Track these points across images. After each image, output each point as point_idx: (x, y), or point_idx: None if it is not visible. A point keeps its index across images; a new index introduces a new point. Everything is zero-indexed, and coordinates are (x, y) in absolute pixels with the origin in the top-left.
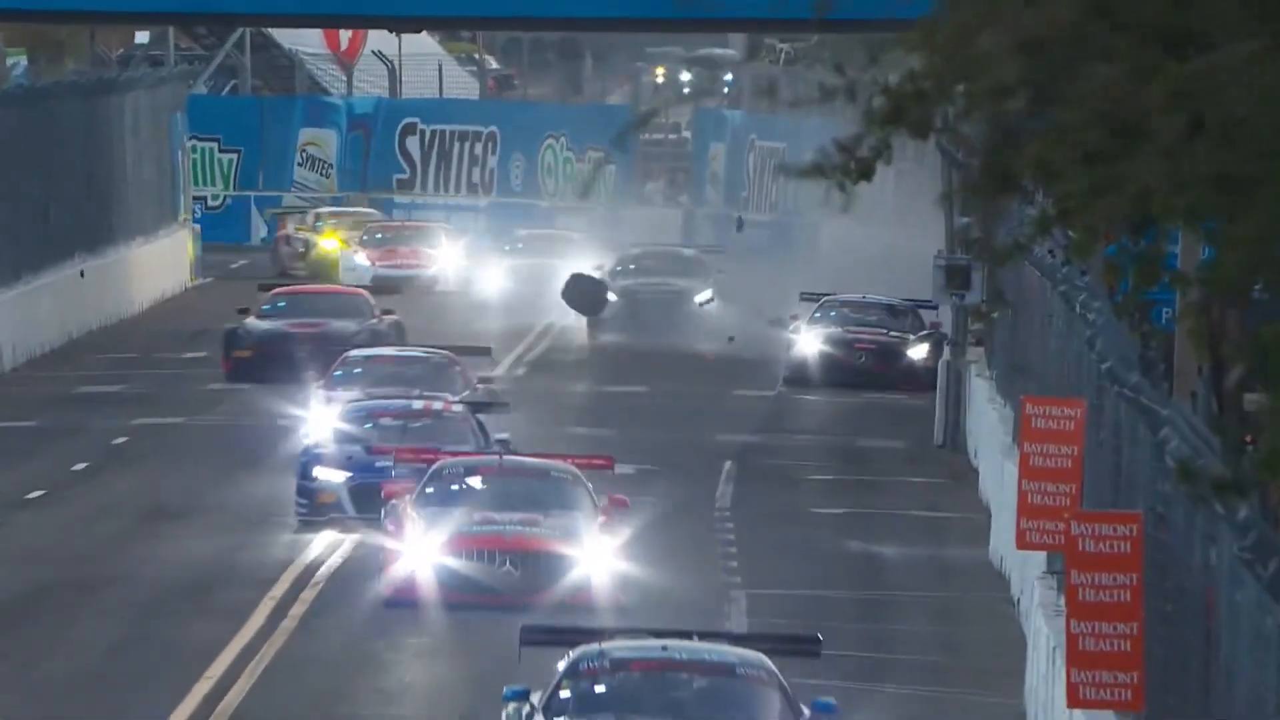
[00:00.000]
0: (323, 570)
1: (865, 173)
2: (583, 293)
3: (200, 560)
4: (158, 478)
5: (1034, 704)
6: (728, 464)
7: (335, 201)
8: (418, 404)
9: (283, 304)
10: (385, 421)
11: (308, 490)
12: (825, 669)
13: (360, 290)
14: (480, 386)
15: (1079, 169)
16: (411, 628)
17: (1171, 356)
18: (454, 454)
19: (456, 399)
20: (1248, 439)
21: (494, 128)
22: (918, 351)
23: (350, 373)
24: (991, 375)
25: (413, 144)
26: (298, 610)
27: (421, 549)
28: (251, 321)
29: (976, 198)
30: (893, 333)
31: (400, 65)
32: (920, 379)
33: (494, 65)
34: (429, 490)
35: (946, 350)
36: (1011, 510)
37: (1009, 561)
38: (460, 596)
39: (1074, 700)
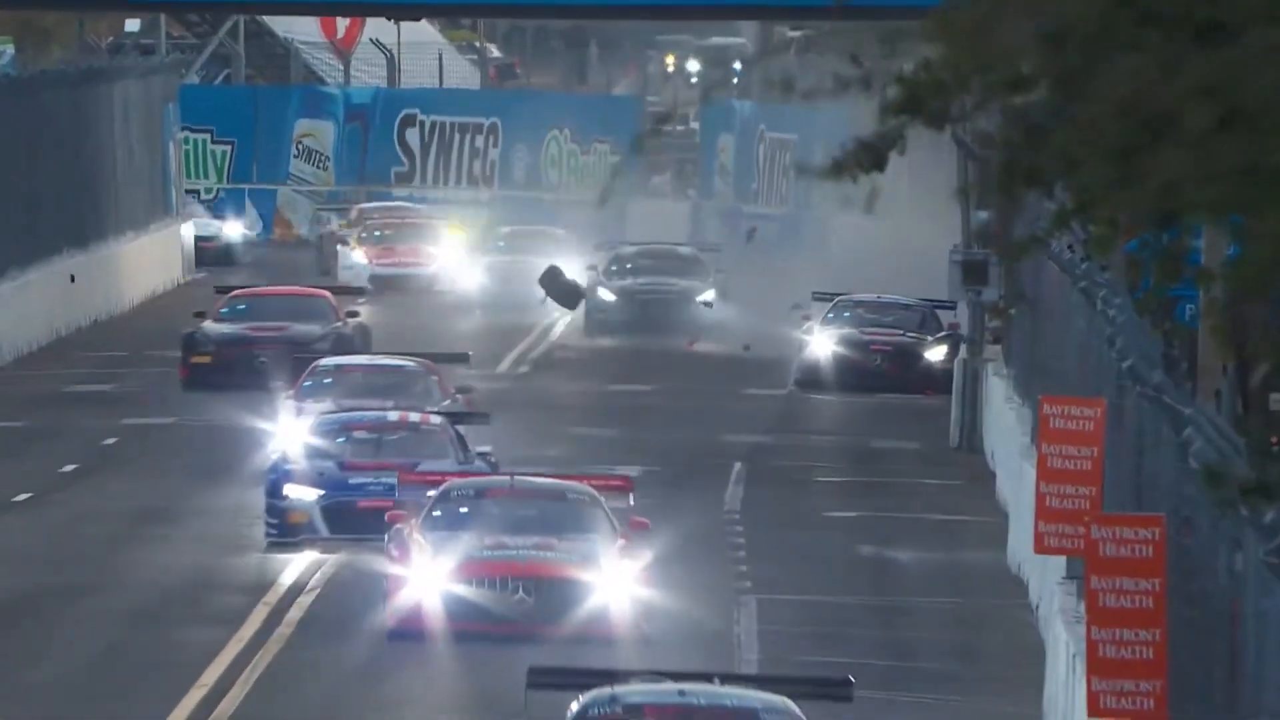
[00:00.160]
0: (317, 576)
1: (877, 163)
2: (560, 284)
3: (191, 565)
4: (148, 480)
5: (1053, 713)
6: (737, 465)
7: (333, 196)
8: (393, 416)
9: (242, 307)
10: (359, 435)
11: (278, 509)
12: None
13: (323, 292)
14: (459, 397)
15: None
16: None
17: (1195, 355)
18: (463, 475)
19: (435, 410)
20: (1274, 440)
21: (496, 119)
22: (935, 353)
23: (320, 383)
24: (1009, 374)
25: (412, 136)
26: (294, 615)
27: (429, 575)
28: (209, 325)
29: (994, 191)
30: (909, 334)
31: (399, 54)
32: (938, 382)
33: (496, 54)
34: (436, 513)
35: (963, 349)
36: (1029, 513)
37: (1027, 566)
38: (470, 626)
39: (1095, 709)
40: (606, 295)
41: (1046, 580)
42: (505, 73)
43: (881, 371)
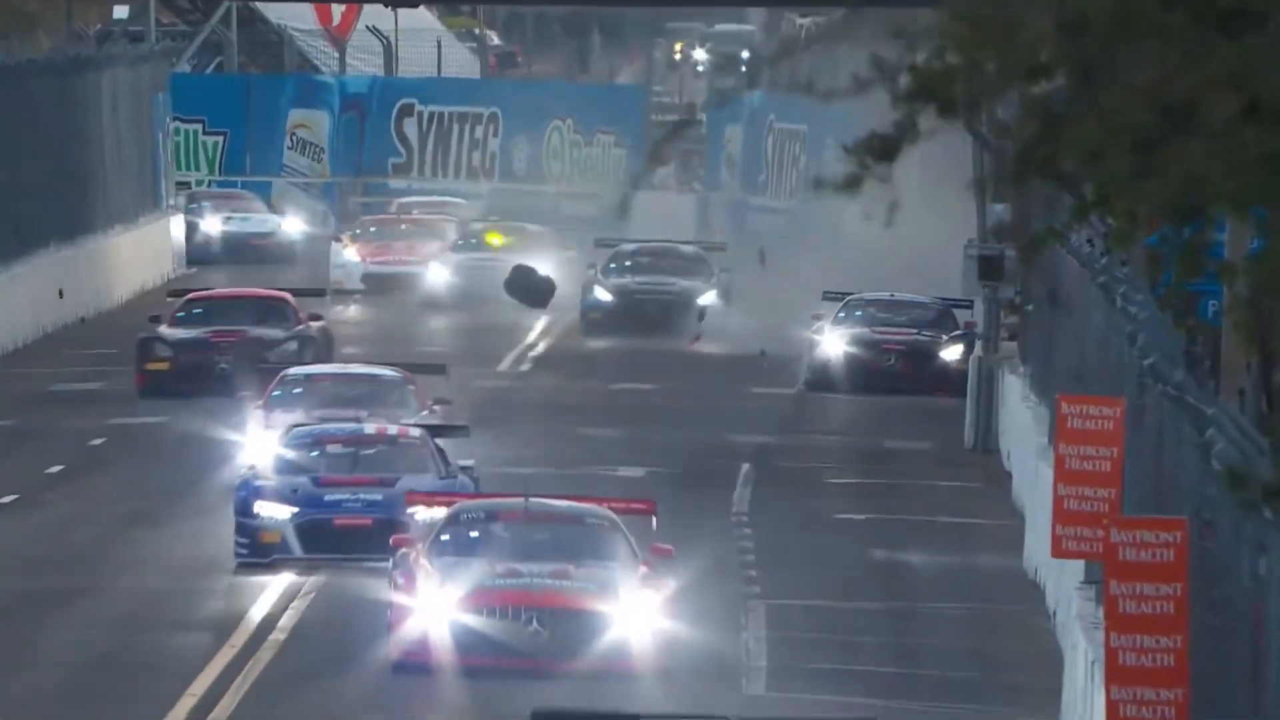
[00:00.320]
0: (312, 580)
1: (889, 153)
2: (527, 283)
3: (178, 571)
4: (137, 481)
5: None
6: (745, 466)
7: (327, 188)
8: (370, 428)
9: (199, 310)
10: (334, 449)
11: (248, 528)
12: (850, 685)
13: (283, 294)
14: (437, 408)
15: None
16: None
17: (1218, 352)
18: (472, 496)
19: (413, 423)
20: None
21: (496, 109)
22: (950, 353)
23: (290, 393)
24: (1026, 372)
25: (409, 126)
26: (286, 622)
27: (436, 605)
28: (166, 330)
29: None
30: (923, 333)
31: (396, 42)
32: (953, 382)
33: (496, 41)
34: (444, 538)
35: (978, 346)
36: (1047, 516)
37: (1044, 571)
38: (480, 660)
39: (1114, 719)
40: (603, 294)
41: (1064, 585)
42: (505, 61)
43: (894, 372)
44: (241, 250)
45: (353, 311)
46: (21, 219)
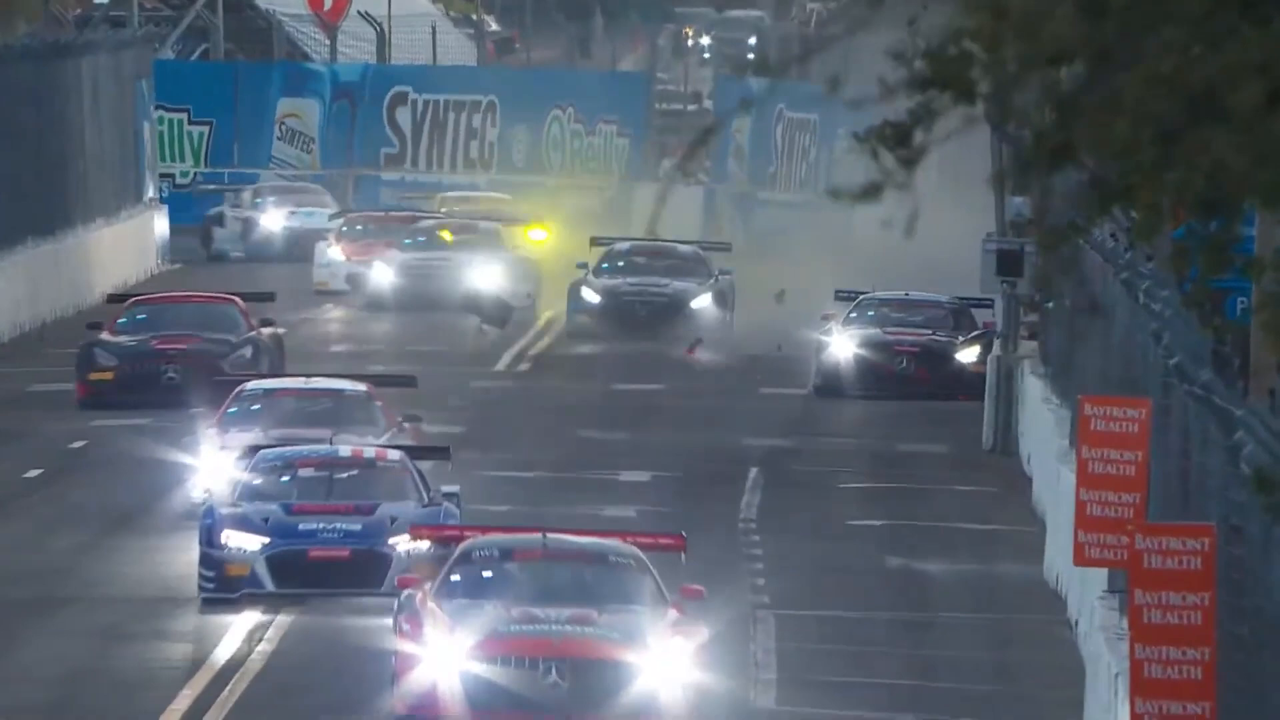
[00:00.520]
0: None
1: (904, 141)
2: (485, 303)
3: (164, 578)
4: (118, 486)
5: None
6: (754, 470)
7: (317, 180)
8: (345, 450)
9: (142, 316)
10: (306, 473)
11: (214, 560)
12: (863, 699)
13: (232, 298)
14: (406, 425)
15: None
16: None
17: (1246, 351)
18: (484, 530)
19: (392, 443)
20: None
21: (493, 97)
22: (967, 354)
23: (247, 410)
24: (1046, 372)
25: (403, 115)
26: (274, 634)
27: (446, 653)
28: (108, 338)
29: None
30: (939, 334)
31: (389, 28)
32: (969, 386)
33: (493, 27)
34: (454, 578)
35: (996, 345)
36: (1068, 522)
37: (1066, 579)
38: (494, 714)
39: None
40: (590, 296)
41: (1086, 594)
42: (504, 47)
43: (907, 375)
44: (305, 246)
45: (340, 312)
46: None
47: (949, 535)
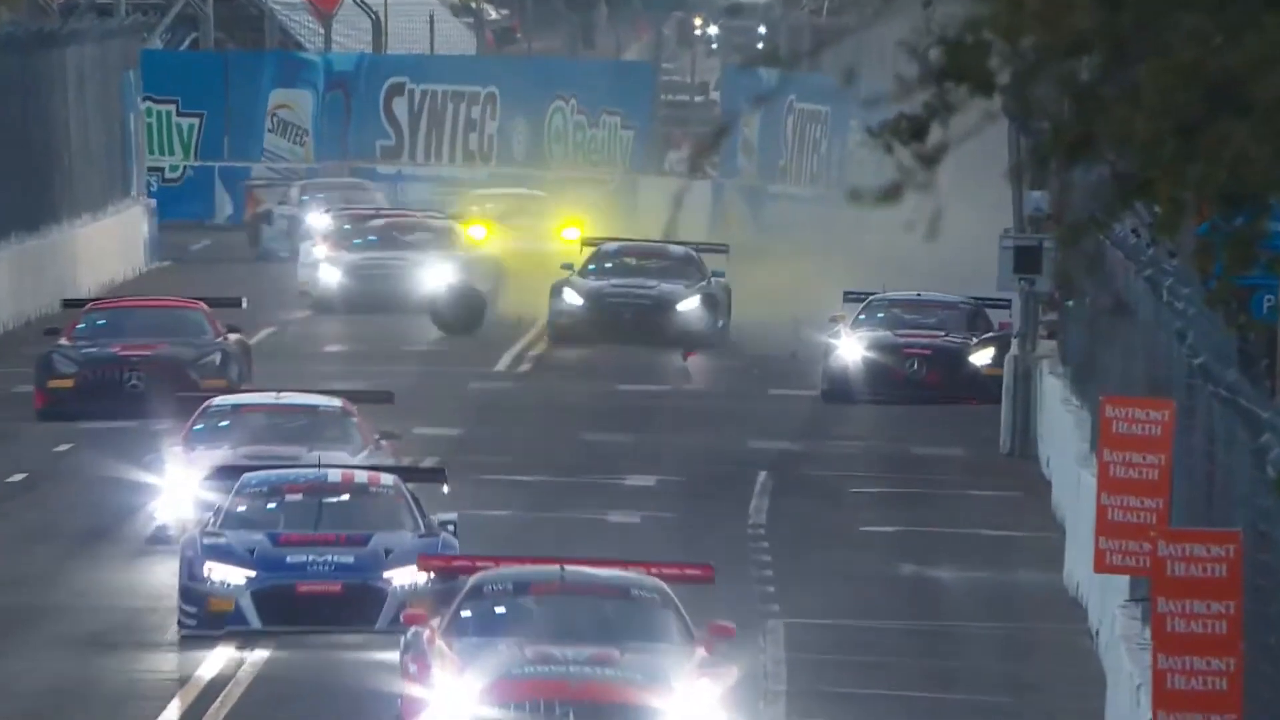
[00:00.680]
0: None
1: (918, 133)
2: (458, 304)
3: (152, 587)
4: (105, 491)
5: None
6: (762, 475)
7: (311, 174)
8: (334, 475)
9: (102, 321)
10: (294, 499)
11: (196, 595)
12: (876, 711)
13: (197, 302)
14: (384, 443)
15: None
16: None
17: (1274, 350)
18: (497, 561)
19: (387, 467)
20: None
21: (493, 88)
22: (981, 357)
23: (214, 427)
24: (1066, 372)
25: (400, 106)
26: (263, 652)
27: (455, 697)
28: (67, 345)
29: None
30: (951, 335)
31: (386, 16)
32: (983, 389)
33: (493, 15)
34: (465, 614)
35: (1014, 344)
36: (1089, 528)
37: (1086, 587)
38: None
39: None
40: (572, 298)
41: (1108, 603)
42: (504, 36)
43: (918, 379)
44: None
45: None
46: None
47: (965, 542)
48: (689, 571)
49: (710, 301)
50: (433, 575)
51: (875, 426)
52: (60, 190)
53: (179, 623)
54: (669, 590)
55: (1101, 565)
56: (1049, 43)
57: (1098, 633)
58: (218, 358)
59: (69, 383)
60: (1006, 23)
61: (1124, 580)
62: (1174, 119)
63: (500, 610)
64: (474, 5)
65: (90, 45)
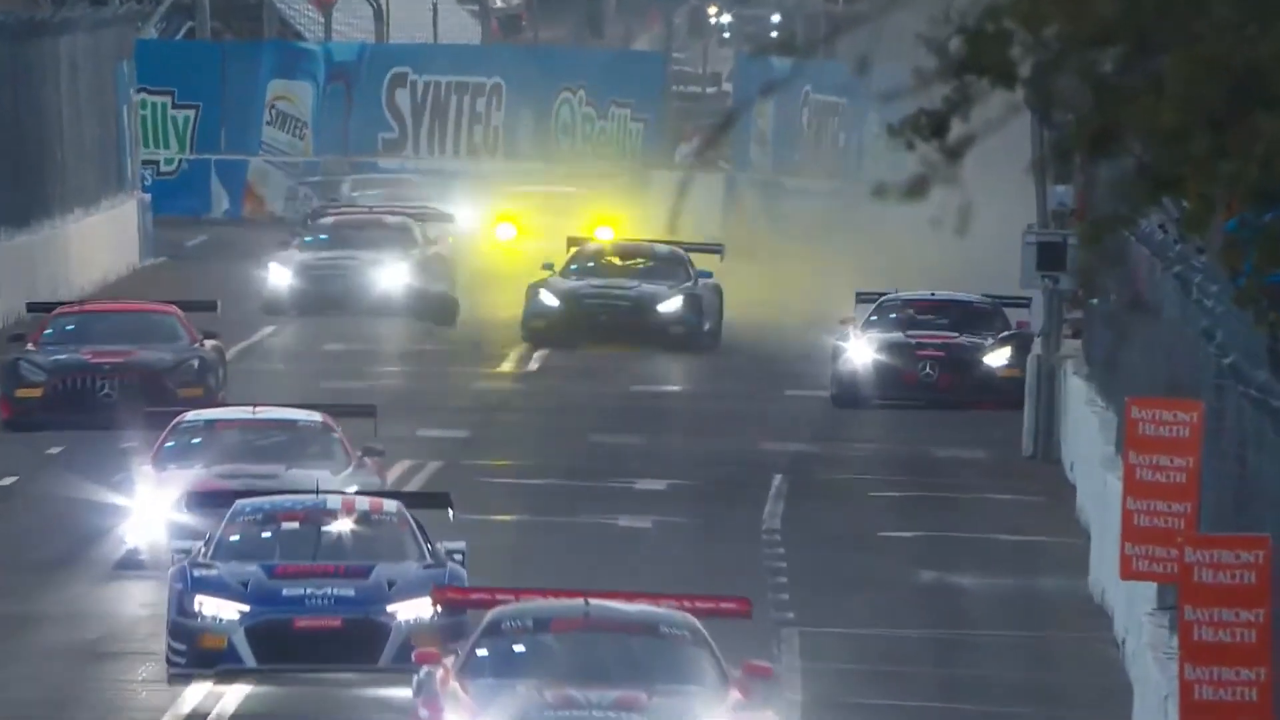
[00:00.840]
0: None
1: (939, 128)
2: (431, 298)
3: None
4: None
5: None
6: (778, 478)
7: (310, 167)
8: (334, 500)
9: (71, 327)
10: (290, 527)
11: (187, 630)
12: None
13: (170, 307)
14: (367, 460)
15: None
16: None
17: None
18: (517, 594)
19: (390, 492)
20: None
21: (499, 79)
22: (996, 358)
23: (187, 443)
24: (1090, 373)
25: (402, 98)
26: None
27: None
28: (34, 351)
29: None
30: (965, 336)
31: (388, 4)
32: (998, 393)
33: (499, 4)
34: (481, 653)
35: (1037, 344)
36: (1115, 533)
37: (1112, 594)
38: None
39: None
40: (548, 299)
41: (1134, 611)
42: (510, 25)
43: (931, 382)
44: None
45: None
46: None
47: (986, 547)
48: (724, 606)
49: (693, 303)
50: (439, 609)
51: (893, 428)
52: (52, 184)
53: (167, 660)
54: (701, 627)
55: (1127, 572)
56: (1071, 32)
57: (1124, 642)
58: (195, 365)
59: (37, 392)
60: (1027, 11)
61: (1151, 587)
62: (1200, 112)
63: (519, 649)
64: None
65: (83, 34)
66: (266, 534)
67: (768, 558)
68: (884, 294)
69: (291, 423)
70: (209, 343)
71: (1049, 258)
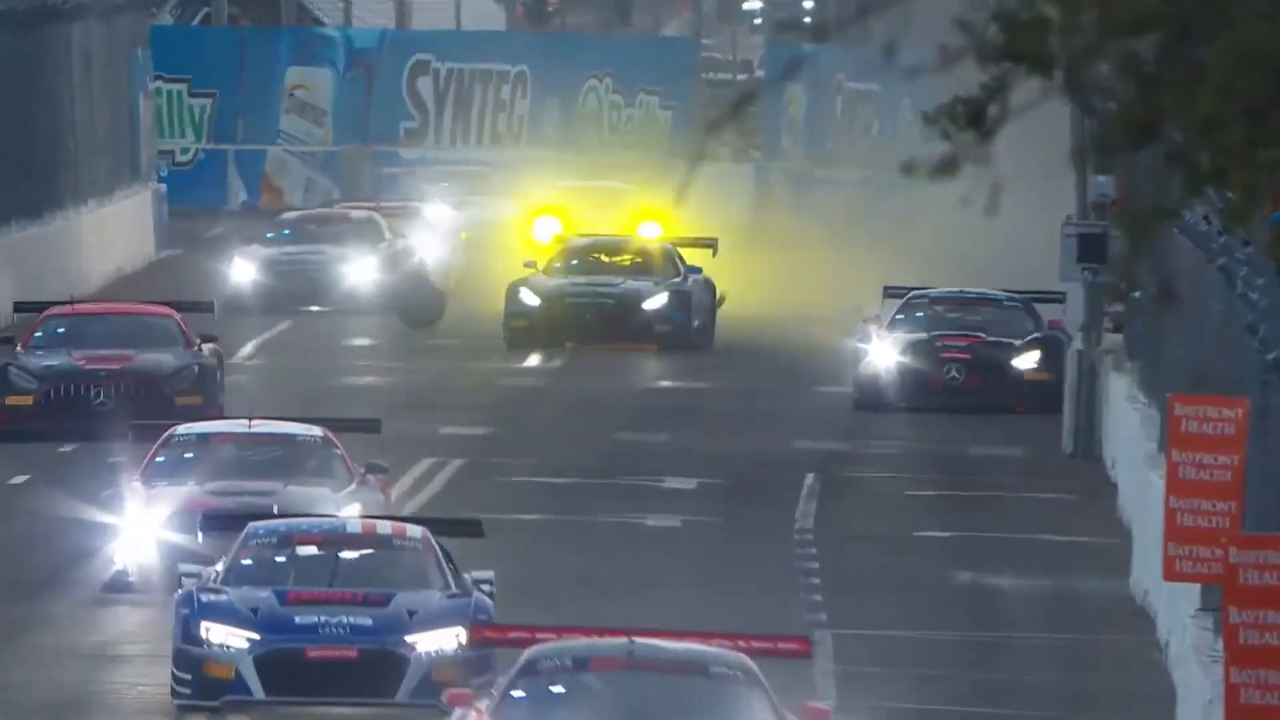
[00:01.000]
0: None
1: (976, 119)
2: (415, 297)
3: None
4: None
5: None
6: (809, 477)
7: (329, 157)
8: (353, 524)
9: (62, 330)
10: (306, 551)
11: (192, 660)
12: None
13: (167, 309)
14: (371, 478)
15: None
16: None
17: None
18: (558, 631)
19: (417, 517)
20: None
21: (524, 66)
22: (1025, 360)
23: (178, 459)
24: (1132, 368)
25: (424, 86)
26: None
27: None
28: (25, 356)
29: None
30: (994, 336)
31: None
32: (1027, 396)
33: None
34: (516, 694)
35: (1078, 338)
36: (1157, 534)
37: (1154, 596)
38: None
39: None
40: (529, 298)
41: (1177, 613)
42: (535, 11)
43: (957, 386)
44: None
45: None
46: None
47: (1025, 548)
48: (782, 646)
49: (681, 300)
50: (467, 644)
51: (928, 426)
52: (65, 175)
53: (172, 691)
54: (755, 667)
55: (1170, 573)
56: (1110, 19)
57: (1167, 644)
58: (195, 371)
59: (28, 399)
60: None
61: (1194, 589)
62: (1241, 101)
63: (558, 690)
64: None
65: (96, 21)
66: (280, 558)
67: (799, 558)
68: (912, 289)
69: (290, 437)
70: (207, 347)
71: (1089, 249)
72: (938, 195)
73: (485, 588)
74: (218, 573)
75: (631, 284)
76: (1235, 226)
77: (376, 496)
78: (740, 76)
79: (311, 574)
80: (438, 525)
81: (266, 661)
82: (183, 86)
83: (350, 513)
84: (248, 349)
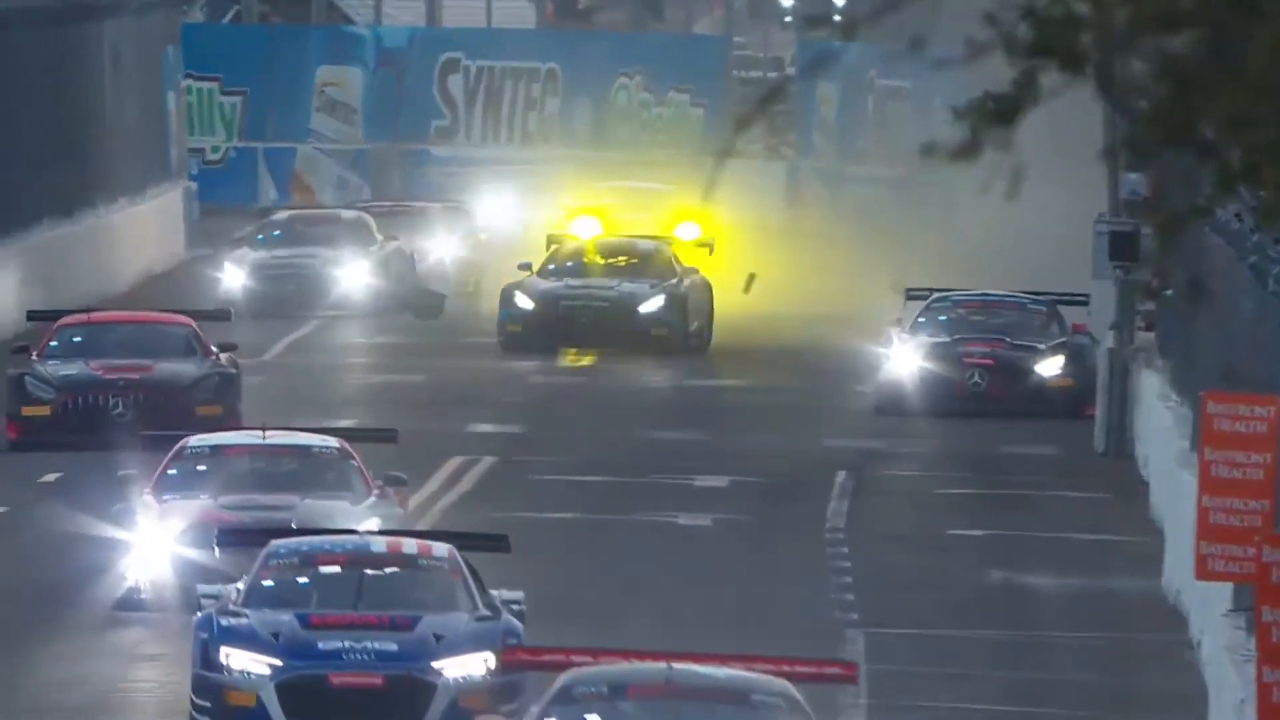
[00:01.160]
0: None
1: (1006, 115)
2: (420, 293)
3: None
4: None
5: None
6: (841, 475)
7: (359, 155)
8: (378, 544)
9: (78, 339)
10: (329, 572)
11: (211, 686)
12: None
13: (184, 318)
14: (389, 491)
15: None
16: None
17: None
18: (595, 654)
19: (441, 533)
20: None
21: (554, 64)
22: (1048, 366)
23: (191, 471)
24: (1165, 366)
25: (455, 84)
26: None
27: None
28: (42, 365)
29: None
30: (1017, 341)
31: None
32: (1051, 403)
33: None
34: None
35: (1109, 337)
36: (1190, 532)
37: (1187, 595)
38: None
39: None
40: (524, 302)
41: (1209, 612)
42: (566, 9)
43: (979, 392)
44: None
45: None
46: (10, 191)
47: (1057, 546)
48: (827, 671)
49: (677, 303)
50: (497, 668)
51: (959, 425)
52: (96, 173)
53: (190, 718)
54: (798, 694)
55: (1203, 572)
56: (1141, 15)
57: (1199, 644)
58: (215, 380)
59: (45, 410)
60: None
61: (1226, 587)
62: (1274, 98)
63: (593, 718)
64: None
65: (128, 19)
66: (303, 579)
67: (832, 557)
68: (934, 291)
69: (305, 449)
70: (224, 355)
71: (1121, 247)
72: (970, 192)
73: (515, 608)
74: (238, 591)
75: (627, 287)
76: (1267, 224)
77: (395, 510)
78: (771, 74)
79: (335, 595)
80: (463, 540)
81: (289, 689)
82: (214, 84)
83: (369, 526)
84: (279, 347)
